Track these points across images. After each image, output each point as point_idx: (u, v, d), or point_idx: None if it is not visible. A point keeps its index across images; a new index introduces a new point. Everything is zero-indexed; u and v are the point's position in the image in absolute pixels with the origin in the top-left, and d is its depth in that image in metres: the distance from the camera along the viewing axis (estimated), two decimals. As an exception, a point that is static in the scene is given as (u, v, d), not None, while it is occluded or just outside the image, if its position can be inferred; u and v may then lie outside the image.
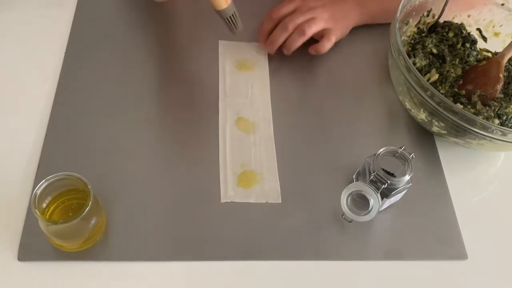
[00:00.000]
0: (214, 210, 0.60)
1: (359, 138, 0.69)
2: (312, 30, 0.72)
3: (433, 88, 0.60)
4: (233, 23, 0.62)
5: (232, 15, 0.63)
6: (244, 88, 0.72)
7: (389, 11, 0.76)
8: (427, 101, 0.62)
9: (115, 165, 0.62)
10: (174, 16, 0.79)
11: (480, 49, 0.76)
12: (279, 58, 0.75)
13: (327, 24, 0.74)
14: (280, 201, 0.61)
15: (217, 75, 0.72)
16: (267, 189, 0.62)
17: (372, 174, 0.58)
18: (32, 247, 0.55)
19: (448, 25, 0.75)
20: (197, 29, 0.77)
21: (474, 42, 0.75)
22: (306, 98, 0.72)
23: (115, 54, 0.73)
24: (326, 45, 0.73)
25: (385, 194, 0.58)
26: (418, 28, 0.76)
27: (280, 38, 0.73)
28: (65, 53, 0.72)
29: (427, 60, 0.72)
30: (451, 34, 0.75)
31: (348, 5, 0.76)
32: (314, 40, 0.74)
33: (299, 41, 0.73)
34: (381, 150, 0.58)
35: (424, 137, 0.70)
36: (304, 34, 0.72)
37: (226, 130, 0.67)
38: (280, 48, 0.74)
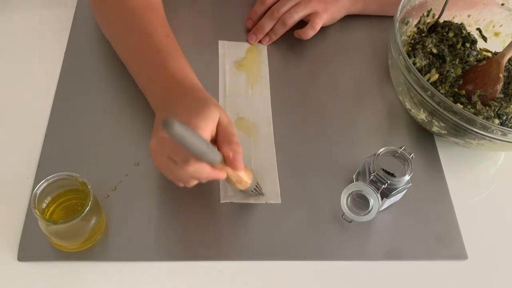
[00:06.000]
0: (214, 210, 0.60)
1: (359, 138, 0.69)
2: (294, 19, 0.74)
3: (433, 88, 0.60)
4: (257, 191, 0.60)
5: (256, 187, 0.59)
6: (244, 88, 0.72)
7: (382, 0, 0.77)
8: (427, 101, 0.62)
9: (115, 165, 0.62)
10: (174, 16, 0.79)
11: (480, 49, 0.76)
12: (279, 58, 0.76)
13: (316, 7, 0.74)
14: (280, 201, 0.61)
15: (217, 75, 0.72)
16: (267, 189, 0.62)
17: (372, 174, 0.58)
18: (32, 247, 0.55)
19: (448, 25, 0.75)
20: (197, 29, 0.77)
21: (474, 42, 0.75)
22: (306, 98, 0.72)
23: (115, 53, 0.73)
24: (309, 33, 0.75)
25: (385, 194, 0.58)
26: (418, 28, 0.76)
27: (267, 26, 0.75)
28: (65, 53, 0.72)
29: (427, 60, 0.72)
30: (451, 34, 0.75)
31: None
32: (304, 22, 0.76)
33: (281, 31, 0.75)
34: (381, 150, 0.58)
35: (424, 137, 0.70)
36: (285, 25, 0.74)
37: None
38: (280, 45, 0.75)
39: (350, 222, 0.59)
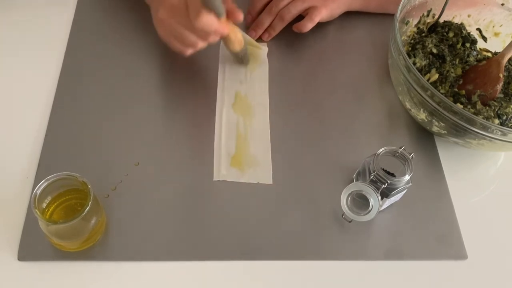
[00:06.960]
0: (214, 209, 0.60)
1: (359, 138, 0.69)
2: (292, 14, 0.74)
3: (433, 88, 0.60)
4: (244, 59, 0.71)
5: (245, 54, 0.70)
6: (243, 75, 0.72)
7: None
8: (427, 101, 0.62)
9: (115, 165, 0.62)
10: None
11: (480, 49, 0.76)
12: (279, 57, 0.76)
13: (314, 1, 0.74)
14: (271, 182, 0.62)
15: (217, 63, 0.73)
16: (260, 171, 0.63)
17: (372, 174, 0.58)
18: (32, 247, 0.55)
19: (448, 25, 0.75)
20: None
21: (474, 42, 0.75)
22: (306, 97, 0.72)
23: (115, 53, 0.73)
24: (308, 25, 0.74)
25: (385, 194, 0.58)
26: (418, 28, 0.76)
27: (265, 22, 0.75)
28: (65, 53, 0.72)
29: (427, 60, 0.72)
30: (451, 34, 0.75)
31: None
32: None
33: (279, 27, 0.75)
34: (381, 150, 0.58)
35: (424, 137, 0.70)
36: (284, 20, 0.74)
37: (222, 114, 0.67)
38: (280, 43, 0.75)
39: (350, 222, 0.59)
